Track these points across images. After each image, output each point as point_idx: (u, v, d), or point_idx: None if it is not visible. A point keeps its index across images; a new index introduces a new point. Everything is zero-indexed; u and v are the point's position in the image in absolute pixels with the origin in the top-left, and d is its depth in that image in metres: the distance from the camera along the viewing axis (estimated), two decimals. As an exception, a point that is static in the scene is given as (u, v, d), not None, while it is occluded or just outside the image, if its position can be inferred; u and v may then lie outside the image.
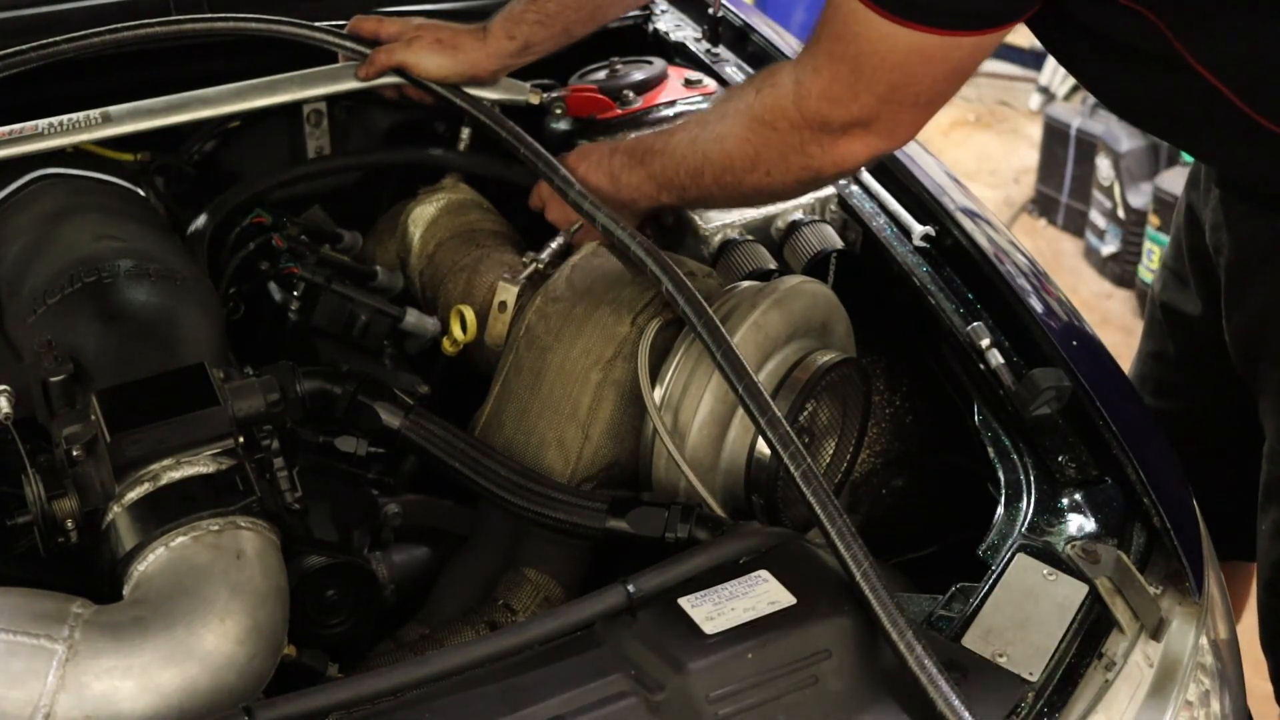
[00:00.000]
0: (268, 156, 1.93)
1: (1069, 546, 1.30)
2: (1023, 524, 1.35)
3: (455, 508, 1.51)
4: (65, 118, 1.66)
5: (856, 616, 1.13)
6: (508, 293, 1.56)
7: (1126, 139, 4.14)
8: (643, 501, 1.34)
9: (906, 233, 1.70)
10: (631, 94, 1.90)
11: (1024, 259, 1.67)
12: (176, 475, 1.19)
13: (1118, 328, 3.97)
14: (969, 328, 1.53)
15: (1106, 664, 1.22)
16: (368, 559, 1.37)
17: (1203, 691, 1.28)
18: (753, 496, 1.41)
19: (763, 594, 1.15)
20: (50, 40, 1.65)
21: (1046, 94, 5.21)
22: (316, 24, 1.79)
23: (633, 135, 1.76)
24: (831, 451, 1.50)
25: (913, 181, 1.75)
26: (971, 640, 1.21)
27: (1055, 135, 4.46)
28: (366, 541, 1.41)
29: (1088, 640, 1.23)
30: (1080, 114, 4.40)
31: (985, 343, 1.50)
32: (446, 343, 1.62)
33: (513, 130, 1.63)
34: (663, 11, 2.18)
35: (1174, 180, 3.82)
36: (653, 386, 1.41)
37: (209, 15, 1.77)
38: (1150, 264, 3.97)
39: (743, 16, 2.09)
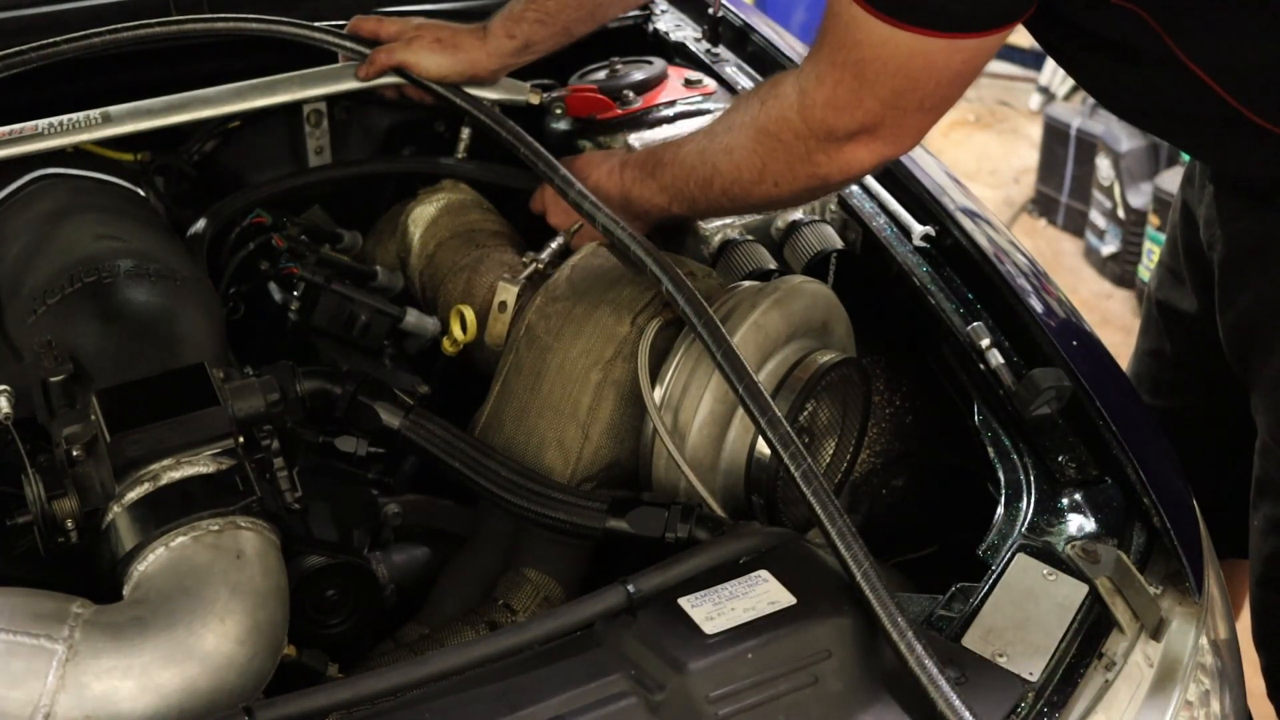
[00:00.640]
0: (268, 156, 1.93)
1: (1069, 546, 1.30)
2: (1023, 524, 1.35)
3: (455, 508, 1.51)
4: (65, 118, 1.66)
5: (856, 616, 1.13)
6: (508, 293, 1.56)
7: (1126, 139, 4.14)
8: (643, 501, 1.34)
9: (906, 233, 1.70)
10: (631, 94, 1.90)
11: (1024, 259, 1.67)
12: (176, 475, 1.19)
13: (1118, 328, 3.97)
14: (969, 328, 1.53)
15: (1106, 664, 1.22)
16: (368, 559, 1.37)
17: (1203, 691, 1.28)
18: (753, 496, 1.41)
19: (763, 594, 1.15)
20: (50, 41, 1.65)
21: (1046, 94, 5.21)
22: (316, 24, 1.79)
23: (638, 146, 1.76)
24: (831, 451, 1.50)
25: (913, 181, 1.75)
26: (971, 640, 1.21)
27: (1055, 135, 4.45)
28: (366, 541, 1.41)
29: (1088, 640, 1.23)
30: (1080, 114, 4.39)
31: (985, 343, 1.51)
32: (446, 343, 1.62)
33: (513, 130, 1.64)
34: (663, 11, 2.18)
35: (1174, 180, 3.82)
36: (653, 386, 1.41)
37: (208, 16, 1.77)
38: (1150, 264, 3.97)
39: (743, 16, 2.09)
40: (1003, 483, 1.41)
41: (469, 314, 1.59)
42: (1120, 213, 4.16)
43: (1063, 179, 4.47)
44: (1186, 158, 3.12)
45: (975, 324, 1.53)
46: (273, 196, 1.81)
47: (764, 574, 1.17)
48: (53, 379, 1.26)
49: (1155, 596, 1.29)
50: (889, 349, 1.72)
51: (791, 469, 1.20)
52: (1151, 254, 3.97)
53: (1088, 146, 4.29)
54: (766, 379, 1.41)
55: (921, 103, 1.38)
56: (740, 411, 1.38)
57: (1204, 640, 1.29)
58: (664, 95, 1.93)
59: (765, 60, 2.03)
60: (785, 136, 1.44)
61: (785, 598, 1.15)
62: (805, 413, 1.41)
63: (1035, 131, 4.88)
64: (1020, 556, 1.30)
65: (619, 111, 1.88)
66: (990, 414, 1.48)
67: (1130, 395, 1.57)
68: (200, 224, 1.71)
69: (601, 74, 1.96)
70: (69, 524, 1.19)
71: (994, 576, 1.28)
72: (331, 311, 1.62)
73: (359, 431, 1.42)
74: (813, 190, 1.52)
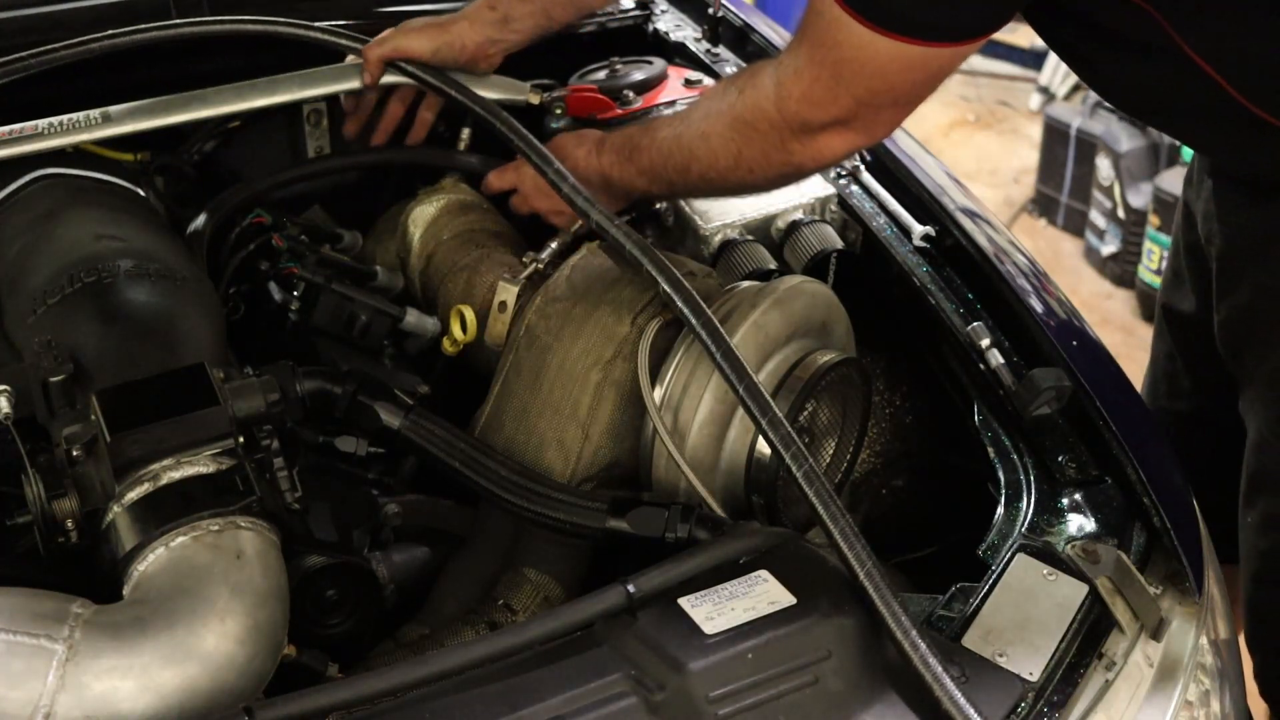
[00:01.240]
0: (268, 156, 1.93)
1: (1069, 546, 1.30)
2: (1023, 524, 1.35)
3: (455, 508, 1.51)
4: (65, 118, 1.66)
5: (857, 616, 1.13)
6: (508, 293, 1.56)
7: (1126, 139, 4.14)
8: (643, 501, 1.34)
9: (906, 233, 1.70)
10: (631, 94, 1.90)
11: (1024, 259, 1.67)
12: (176, 475, 1.19)
13: (1118, 328, 3.97)
14: (969, 328, 1.53)
15: (1106, 664, 1.22)
16: (368, 559, 1.37)
17: (1203, 691, 1.28)
18: (753, 496, 1.41)
19: (763, 594, 1.15)
20: (49, 48, 1.65)
21: (1046, 94, 5.21)
22: (315, 24, 1.79)
23: (616, 130, 1.77)
24: (831, 451, 1.50)
25: (913, 181, 1.75)
26: (971, 640, 1.21)
27: (1055, 135, 4.45)
28: (366, 541, 1.41)
29: (1088, 640, 1.23)
30: (1080, 114, 4.39)
31: (985, 343, 1.51)
32: (446, 343, 1.62)
33: (508, 122, 1.63)
34: (663, 11, 2.18)
35: (1174, 180, 3.82)
36: (653, 386, 1.41)
37: (206, 19, 1.77)
38: (1150, 264, 3.97)
39: (743, 16, 2.09)
40: (1003, 483, 1.41)
41: (469, 314, 1.59)
42: (1120, 213, 4.16)
43: (1063, 179, 4.46)
44: (1187, 158, 3.12)
45: (975, 324, 1.53)
46: (274, 186, 1.81)
47: (764, 574, 1.17)
48: (53, 379, 1.26)
49: (1155, 596, 1.29)
50: (889, 349, 1.72)
51: (794, 469, 1.20)
52: (1151, 254, 3.97)
53: (1088, 146, 4.29)
54: (766, 379, 1.41)
55: (895, 100, 1.41)
56: (740, 411, 1.38)
57: (1204, 640, 1.29)
58: (664, 95, 1.92)
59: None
60: (761, 126, 1.46)
61: (785, 598, 1.15)
62: (805, 413, 1.41)
63: (1035, 131, 4.88)
64: (1020, 556, 1.30)
65: (619, 111, 1.88)
66: (990, 414, 1.48)
67: (1130, 395, 1.57)
68: (200, 219, 1.71)
69: (601, 74, 1.96)
70: (69, 524, 1.19)
71: (994, 576, 1.28)
72: (331, 311, 1.62)
73: (359, 431, 1.42)
74: (786, 176, 1.55)
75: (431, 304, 1.71)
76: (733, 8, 2.11)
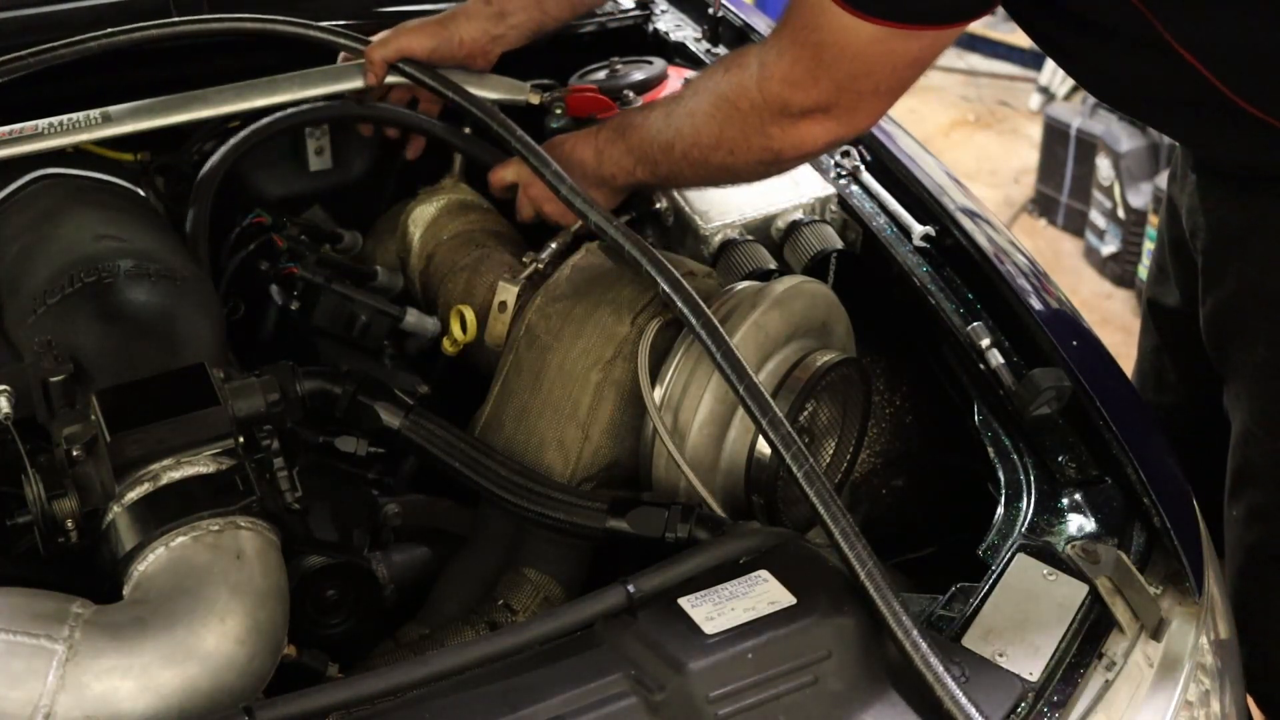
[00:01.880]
0: (268, 157, 1.93)
1: (1069, 546, 1.30)
2: (1023, 524, 1.35)
3: (455, 508, 1.51)
4: (65, 118, 1.66)
5: (857, 616, 1.13)
6: (508, 293, 1.56)
7: (1126, 139, 4.14)
8: (643, 501, 1.34)
9: (906, 233, 1.70)
10: (631, 94, 1.90)
11: (1024, 259, 1.67)
12: (176, 475, 1.19)
13: (1118, 328, 3.97)
14: (969, 328, 1.53)
15: (1107, 664, 1.22)
16: (368, 559, 1.37)
17: (1203, 691, 1.28)
18: (753, 496, 1.41)
19: (763, 594, 1.15)
20: (48, 46, 1.65)
21: (1046, 94, 5.21)
22: (315, 24, 1.79)
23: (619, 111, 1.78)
24: (831, 451, 1.50)
25: (913, 181, 1.75)
26: (971, 640, 1.21)
27: (1055, 135, 4.45)
28: (366, 541, 1.41)
29: (1088, 640, 1.23)
30: (1080, 114, 4.39)
31: (985, 343, 1.51)
32: (446, 343, 1.62)
33: (504, 123, 1.63)
34: (663, 11, 2.18)
35: (1174, 180, 3.82)
36: (653, 386, 1.41)
37: (205, 18, 1.77)
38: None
39: (743, 16, 2.09)
40: (1003, 483, 1.41)
41: (469, 314, 1.59)
42: (1120, 213, 4.16)
43: (1063, 179, 4.46)
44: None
45: (975, 324, 1.53)
46: (246, 142, 1.75)
47: (764, 574, 1.17)
48: (53, 379, 1.25)
49: (1155, 596, 1.29)
50: (889, 349, 1.72)
51: (795, 469, 1.20)
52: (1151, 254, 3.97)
53: (1088, 146, 4.29)
54: (766, 379, 1.41)
55: (876, 87, 1.42)
56: (740, 411, 1.38)
57: (1204, 640, 1.29)
58: (664, 95, 1.92)
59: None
60: (742, 105, 1.46)
61: (785, 598, 1.15)
62: (805, 413, 1.41)
63: (1035, 131, 4.88)
64: (1020, 556, 1.30)
65: (619, 111, 1.88)
66: (990, 414, 1.48)
67: (1130, 395, 1.57)
68: (191, 213, 1.68)
69: (601, 74, 1.96)
70: (69, 524, 1.19)
71: (994, 576, 1.28)
72: (331, 311, 1.62)
73: (359, 431, 1.42)
74: (766, 164, 1.54)
75: (431, 304, 1.71)
76: (733, 8, 2.11)
